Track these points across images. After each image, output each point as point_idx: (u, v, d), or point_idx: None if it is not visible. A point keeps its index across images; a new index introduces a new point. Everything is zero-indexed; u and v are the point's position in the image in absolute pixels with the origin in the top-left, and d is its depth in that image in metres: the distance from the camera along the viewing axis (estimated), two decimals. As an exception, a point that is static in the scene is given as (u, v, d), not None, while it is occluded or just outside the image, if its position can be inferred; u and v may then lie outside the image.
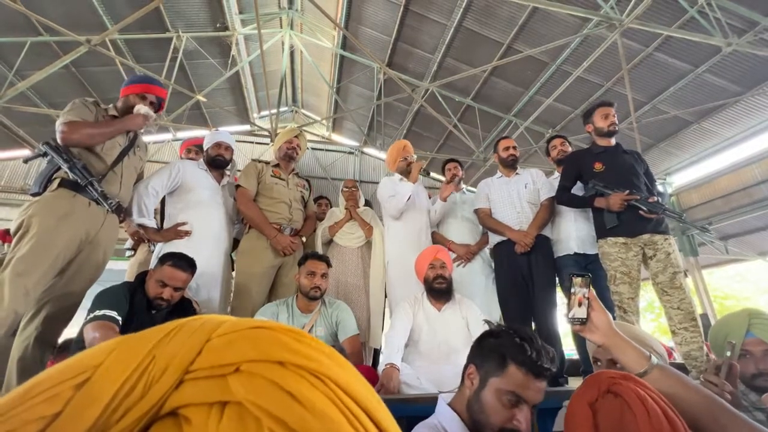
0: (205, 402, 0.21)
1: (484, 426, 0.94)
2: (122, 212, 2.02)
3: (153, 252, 2.36)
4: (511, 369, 0.95)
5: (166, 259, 1.83)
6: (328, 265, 2.12)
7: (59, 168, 1.79)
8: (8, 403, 0.20)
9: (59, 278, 1.78)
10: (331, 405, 0.22)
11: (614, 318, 2.18)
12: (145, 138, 2.25)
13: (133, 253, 2.72)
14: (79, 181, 1.77)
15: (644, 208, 2.19)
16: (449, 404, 1.04)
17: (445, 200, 2.70)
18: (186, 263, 1.85)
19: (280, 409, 0.20)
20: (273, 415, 0.20)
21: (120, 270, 2.78)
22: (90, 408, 0.20)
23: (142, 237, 2.48)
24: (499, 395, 0.94)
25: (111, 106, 2.05)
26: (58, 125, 1.78)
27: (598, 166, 2.40)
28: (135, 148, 2.09)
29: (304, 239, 2.66)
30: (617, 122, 2.48)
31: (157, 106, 2.11)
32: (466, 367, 1.06)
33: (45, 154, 1.81)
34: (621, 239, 2.24)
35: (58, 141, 1.78)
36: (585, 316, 0.95)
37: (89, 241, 1.84)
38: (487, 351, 1.02)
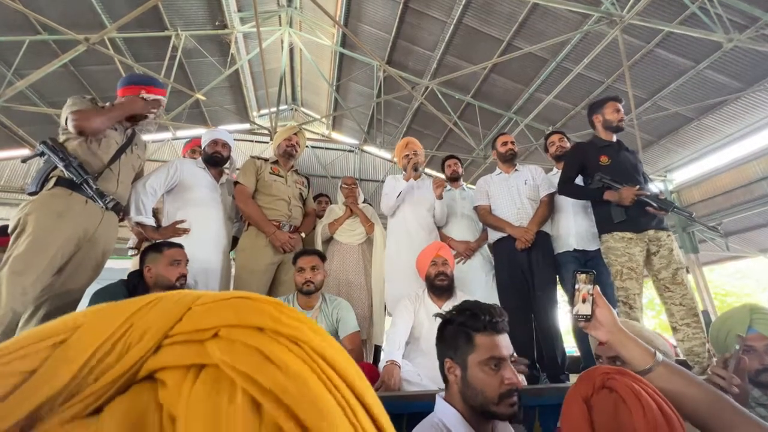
0: (182, 365, 0.21)
1: (484, 404, 0.96)
2: (120, 210, 2.02)
3: None
4: (478, 339, 1.01)
5: (159, 246, 1.89)
6: (321, 258, 2.11)
7: (56, 167, 1.79)
8: None
9: (57, 276, 1.77)
10: (307, 369, 0.22)
11: (617, 314, 2.16)
12: (145, 137, 2.24)
13: (135, 252, 2.69)
14: (74, 179, 1.77)
15: (654, 205, 2.16)
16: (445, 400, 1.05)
17: (440, 197, 2.67)
18: (173, 243, 1.96)
19: (254, 370, 0.20)
20: (247, 376, 0.20)
21: (121, 269, 2.75)
22: (64, 367, 0.20)
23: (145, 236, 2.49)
24: (481, 367, 0.98)
25: (108, 104, 2.04)
26: (69, 117, 1.80)
27: (604, 159, 2.35)
28: (133, 145, 2.08)
29: (303, 235, 2.65)
30: (623, 117, 2.46)
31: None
32: (442, 365, 1.08)
33: (42, 154, 1.81)
34: (628, 234, 2.21)
35: (72, 130, 1.80)
36: (589, 313, 0.95)
37: (87, 239, 1.83)
38: (452, 338, 1.06)
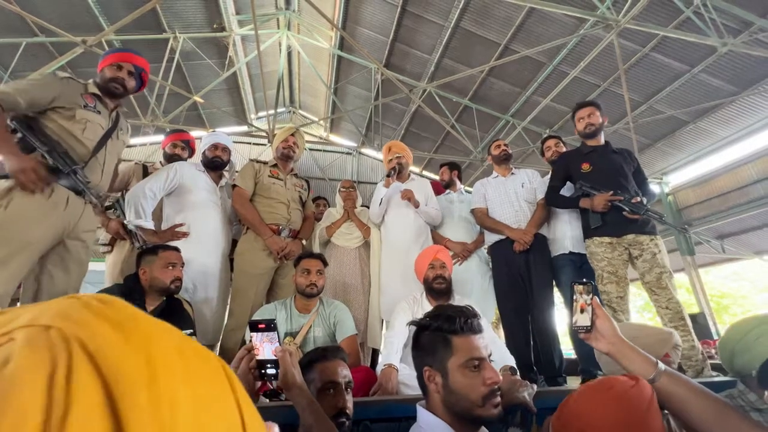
0: None
1: (469, 409, 0.93)
2: (100, 200, 1.86)
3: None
4: (455, 342, 0.97)
5: (155, 249, 1.89)
6: (324, 263, 2.11)
7: (34, 149, 1.55)
8: None
9: (45, 275, 1.67)
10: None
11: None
12: (142, 139, 2.22)
13: (108, 249, 2.55)
14: (60, 167, 1.57)
15: (627, 209, 2.21)
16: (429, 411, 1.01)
17: (416, 206, 2.66)
18: (169, 245, 1.96)
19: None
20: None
21: (95, 270, 2.36)
22: None
23: (122, 235, 2.42)
24: (462, 371, 0.94)
25: (91, 81, 1.84)
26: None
27: (586, 167, 2.43)
28: (118, 130, 1.88)
29: (304, 242, 2.64)
30: (596, 122, 2.46)
31: (137, 77, 1.91)
32: (421, 375, 1.02)
33: (14, 131, 1.53)
34: (606, 239, 2.26)
35: None
36: (589, 324, 0.94)
37: (67, 234, 1.68)
38: (430, 345, 1.01)
